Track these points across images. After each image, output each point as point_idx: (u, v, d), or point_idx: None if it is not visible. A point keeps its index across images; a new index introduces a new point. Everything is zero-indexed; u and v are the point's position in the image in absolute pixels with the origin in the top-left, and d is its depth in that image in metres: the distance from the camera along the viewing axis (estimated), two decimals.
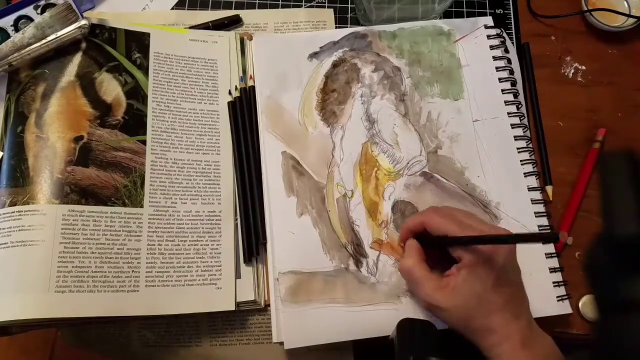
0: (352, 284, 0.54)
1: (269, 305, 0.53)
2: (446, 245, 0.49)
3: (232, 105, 0.61)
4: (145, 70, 0.60)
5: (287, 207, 0.56)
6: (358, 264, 0.55)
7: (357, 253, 0.55)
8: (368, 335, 0.52)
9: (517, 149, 0.60)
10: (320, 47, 0.63)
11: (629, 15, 0.67)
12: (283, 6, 0.69)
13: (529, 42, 0.68)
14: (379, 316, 0.53)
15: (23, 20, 0.58)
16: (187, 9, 0.68)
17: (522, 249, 0.56)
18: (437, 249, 0.51)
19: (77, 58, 0.58)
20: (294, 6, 0.69)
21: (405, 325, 0.47)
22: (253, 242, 0.55)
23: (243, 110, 0.60)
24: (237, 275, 0.54)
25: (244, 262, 0.55)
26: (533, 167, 0.59)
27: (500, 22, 0.69)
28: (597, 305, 0.32)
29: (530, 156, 0.60)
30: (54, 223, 0.49)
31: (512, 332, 0.46)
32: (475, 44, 0.64)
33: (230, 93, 0.61)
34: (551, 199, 0.61)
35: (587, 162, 0.62)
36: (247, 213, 0.56)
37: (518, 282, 0.49)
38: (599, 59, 0.68)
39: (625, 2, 0.69)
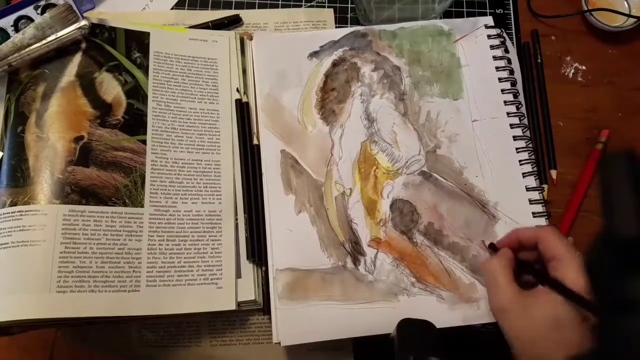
0: (349, 281, 0.54)
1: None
2: (539, 276, 0.47)
3: (239, 103, 0.61)
4: (145, 69, 0.60)
5: (285, 205, 0.56)
6: (356, 262, 0.55)
7: (355, 251, 0.55)
8: (365, 333, 0.52)
9: (516, 149, 0.60)
10: (321, 46, 0.63)
11: (629, 15, 0.67)
12: (283, 6, 0.69)
13: (529, 42, 0.68)
14: (376, 314, 0.53)
15: (23, 21, 0.58)
16: (187, 9, 0.68)
17: None
18: (527, 273, 0.50)
19: (77, 58, 0.58)
20: (294, 6, 0.69)
21: (405, 325, 0.47)
22: (255, 239, 0.56)
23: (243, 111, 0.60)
24: (238, 274, 0.54)
25: (248, 258, 0.55)
26: (532, 167, 0.60)
27: (500, 22, 0.69)
28: (598, 305, 0.32)
29: (529, 156, 0.60)
30: (54, 223, 0.49)
31: None
32: (475, 44, 0.64)
33: (237, 90, 0.62)
34: (545, 197, 0.61)
35: (589, 163, 0.62)
36: (251, 211, 0.56)
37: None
38: (599, 59, 0.69)
39: (625, 2, 0.69)
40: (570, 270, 0.45)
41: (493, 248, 0.54)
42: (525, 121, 0.62)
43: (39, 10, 0.58)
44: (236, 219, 0.57)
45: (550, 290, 0.45)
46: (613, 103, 0.66)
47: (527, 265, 0.50)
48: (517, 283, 0.48)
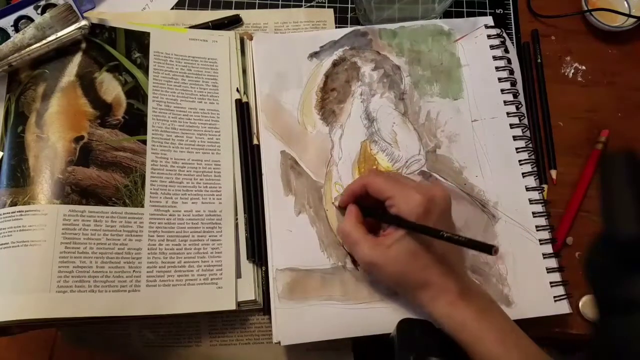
0: (349, 281, 0.54)
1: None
2: (383, 219, 0.51)
3: (239, 103, 0.61)
4: (145, 69, 0.60)
5: (285, 206, 0.56)
6: (355, 262, 0.55)
7: None
8: (364, 333, 0.52)
9: (516, 149, 0.60)
10: (321, 47, 0.63)
11: (629, 15, 0.67)
12: (283, 6, 0.69)
13: (529, 42, 0.68)
14: (376, 314, 0.53)
15: (23, 21, 0.58)
16: (187, 9, 0.68)
17: (520, 251, 0.56)
18: (375, 217, 0.53)
19: (77, 58, 0.58)
20: (294, 6, 0.69)
21: (406, 325, 0.48)
22: (256, 239, 0.56)
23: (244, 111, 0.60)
24: (238, 274, 0.54)
25: (248, 258, 0.55)
26: (532, 167, 0.60)
27: (500, 22, 0.69)
28: (598, 305, 0.32)
29: (529, 156, 0.60)
30: (54, 223, 0.49)
31: (448, 284, 0.47)
32: (475, 44, 0.64)
33: (237, 90, 0.62)
34: (545, 197, 0.61)
35: (589, 163, 0.62)
36: (251, 212, 0.57)
37: None
38: (599, 59, 0.68)
39: (625, 2, 0.69)
40: (403, 203, 0.48)
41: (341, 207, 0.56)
42: (525, 121, 0.62)
43: (39, 10, 0.58)
44: (236, 219, 0.57)
45: (395, 227, 0.48)
46: (613, 103, 0.66)
47: (372, 211, 0.52)
48: (372, 234, 0.51)
